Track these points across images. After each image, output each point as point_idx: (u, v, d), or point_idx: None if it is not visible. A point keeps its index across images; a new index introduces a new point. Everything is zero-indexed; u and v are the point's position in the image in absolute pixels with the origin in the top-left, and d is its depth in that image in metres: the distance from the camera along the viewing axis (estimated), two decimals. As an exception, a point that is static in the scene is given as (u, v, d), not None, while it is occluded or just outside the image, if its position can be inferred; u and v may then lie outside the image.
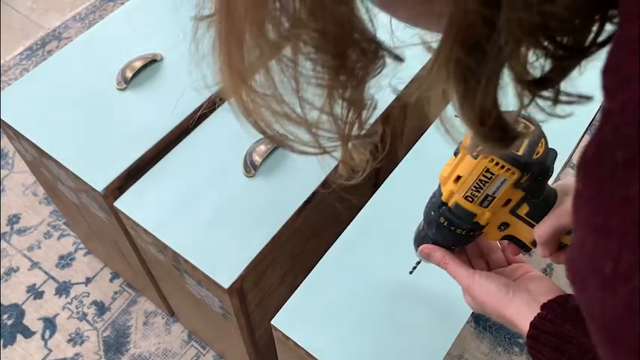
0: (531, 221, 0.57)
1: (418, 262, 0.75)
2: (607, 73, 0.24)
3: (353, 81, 0.34)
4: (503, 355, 1.35)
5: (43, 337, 1.42)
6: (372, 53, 0.33)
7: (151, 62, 1.09)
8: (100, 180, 0.97)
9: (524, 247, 0.60)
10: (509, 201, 0.56)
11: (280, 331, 0.80)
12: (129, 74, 1.07)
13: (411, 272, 0.80)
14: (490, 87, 0.31)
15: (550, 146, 0.54)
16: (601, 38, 0.29)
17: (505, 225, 0.58)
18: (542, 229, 0.55)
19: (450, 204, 0.57)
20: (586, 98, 0.33)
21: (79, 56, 1.13)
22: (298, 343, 0.79)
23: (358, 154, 0.42)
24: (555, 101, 0.33)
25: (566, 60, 0.30)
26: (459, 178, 0.55)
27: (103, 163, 0.99)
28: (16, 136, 1.08)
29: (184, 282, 1.01)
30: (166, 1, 1.19)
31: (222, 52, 0.34)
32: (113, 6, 2.09)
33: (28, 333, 1.43)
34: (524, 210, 0.56)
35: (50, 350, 1.40)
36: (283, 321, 0.81)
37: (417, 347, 0.79)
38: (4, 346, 1.41)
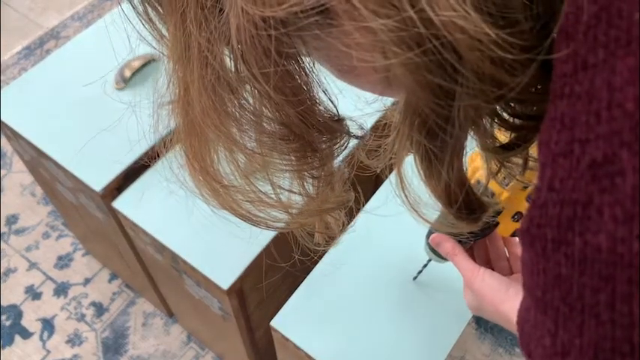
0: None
1: (425, 266, 0.75)
2: (540, 147, 0.25)
3: (321, 160, 0.34)
4: (504, 356, 1.35)
5: (41, 338, 1.42)
6: (337, 131, 0.33)
7: (150, 62, 1.08)
8: (98, 180, 0.96)
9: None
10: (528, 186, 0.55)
11: (280, 333, 0.79)
12: (127, 74, 1.06)
13: (415, 278, 0.80)
14: (454, 166, 0.31)
15: None
16: None
17: (519, 215, 0.58)
18: None
19: (472, 180, 0.56)
20: None
21: (77, 55, 1.12)
22: (298, 344, 0.78)
23: (334, 219, 0.43)
24: (525, 167, 0.33)
25: (528, 128, 0.30)
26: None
27: (102, 163, 0.98)
28: (14, 136, 1.07)
29: (183, 283, 1.00)
30: (165, 0, 1.19)
31: (188, 149, 0.34)
32: (111, 5, 2.08)
33: (26, 334, 1.43)
34: (509, 213, 0.56)
35: (49, 351, 1.40)
36: (283, 322, 0.80)
37: (418, 349, 0.78)
38: (3, 347, 1.40)
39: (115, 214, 0.98)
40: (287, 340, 0.79)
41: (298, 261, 0.51)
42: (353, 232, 0.87)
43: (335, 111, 0.33)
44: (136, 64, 1.07)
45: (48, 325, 1.44)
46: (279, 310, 0.81)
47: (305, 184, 0.36)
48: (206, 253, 0.89)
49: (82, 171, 0.98)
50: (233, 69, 0.30)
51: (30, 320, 1.45)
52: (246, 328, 1.00)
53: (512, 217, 0.58)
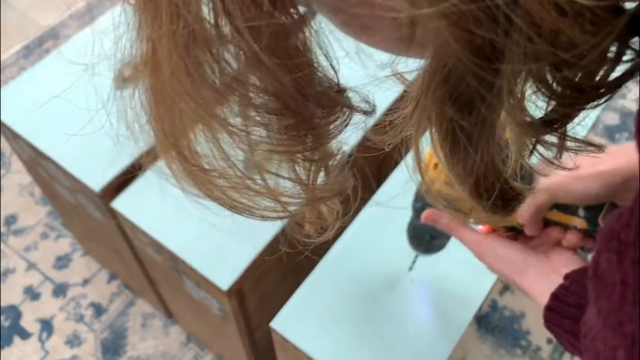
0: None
1: (416, 256, 0.75)
2: None
3: (317, 139, 0.29)
4: (505, 357, 1.35)
5: (40, 339, 1.41)
6: (339, 105, 0.28)
7: (149, 61, 1.08)
8: (97, 180, 0.96)
9: (513, 230, 0.58)
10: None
11: (279, 334, 0.79)
12: (127, 73, 1.06)
13: (410, 268, 0.79)
14: (489, 147, 0.26)
15: None
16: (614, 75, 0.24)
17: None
18: (524, 209, 0.53)
19: (432, 191, 0.56)
20: (596, 147, 0.29)
21: (76, 55, 1.12)
22: (298, 345, 0.78)
23: (327, 209, 0.37)
24: (561, 148, 0.28)
25: (573, 100, 0.24)
26: (436, 165, 0.54)
27: (100, 163, 0.98)
28: (13, 136, 1.07)
29: (182, 284, 1.00)
30: None
31: (157, 123, 0.29)
32: (111, 4, 2.08)
33: (25, 335, 1.42)
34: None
35: (47, 352, 1.39)
36: (283, 323, 0.80)
37: (419, 350, 0.78)
38: (2, 348, 1.40)
39: (114, 215, 0.97)
40: (287, 341, 0.79)
41: (294, 256, 0.47)
42: (353, 232, 0.87)
43: (336, 79, 0.27)
44: (135, 63, 1.06)
45: (47, 325, 1.43)
46: (279, 310, 0.81)
47: (296, 167, 0.30)
48: (205, 253, 0.88)
49: (81, 171, 0.97)
50: (212, 22, 0.24)
51: (29, 321, 1.44)
52: (246, 329, 0.99)
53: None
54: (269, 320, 0.80)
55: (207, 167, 0.29)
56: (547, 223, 0.56)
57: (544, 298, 0.51)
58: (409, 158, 0.31)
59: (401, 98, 0.28)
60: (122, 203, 0.94)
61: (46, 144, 1.00)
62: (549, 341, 1.37)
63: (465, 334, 0.80)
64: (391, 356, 0.77)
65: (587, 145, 0.29)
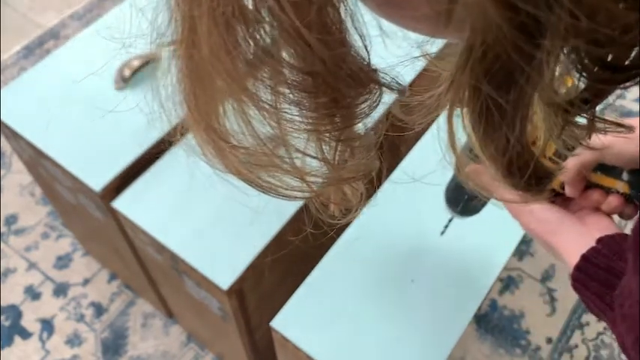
0: (559, 161, 0.54)
1: (450, 220, 0.74)
2: None
3: (347, 120, 0.29)
4: (505, 357, 1.35)
5: (40, 339, 1.41)
6: (371, 84, 0.28)
7: (150, 61, 1.08)
8: (97, 180, 0.96)
9: (552, 192, 0.57)
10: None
11: (280, 333, 0.79)
12: (127, 73, 1.06)
13: (442, 232, 0.79)
14: (523, 125, 0.25)
15: None
16: None
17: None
18: (569, 166, 0.53)
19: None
20: (626, 128, 0.29)
21: (76, 55, 1.12)
22: (298, 345, 0.78)
23: (351, 189, 0.37)
24: (590, 129, 0.28)
25: (606, 79, 0.24)
26: None
27: (101, 163, 0.98)
28: (14, 136, 1.07)
29: (183, 283, 1.00)
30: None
31: (191, 100, 0.29)
32: (111, 4, 2.08)
33: (25, 334, 1.42)
34: (550, 150, 0.53)
35: (48, 352, 1.39)
36: (283, 323, 0.80)
37: (418, 349, 0.78)
38: (2, 347, 1.40)
39: (115, 214, 0.97)
40: (287, 340, 0.79)
41: (311, 238, 0.46)
42: (353, 233, 0.87)
43: (368, 58, 0.27)
44: (136, 63, 1.06)
45: (47, 325, 1.43)
46: (279, 310, 0.81)
47: (323, 146, 0.30)
48: (206, 253, 0.88)
49: (81, 171, 0.97)
50: (251, 3, 0.24)
51: (29, 321, 1.44)
52: (246, 328, 1.00)
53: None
54: (269, 320, 0.80)
55: (237, 144, 0.30)
56: (588, 187, 0.55)
57: (574, 259, 0.51)
58: (442, 133, 0.31)
59: (429, 78, 0.29)
60: (122, 203, 0.94)
61: (47, 144, 1.01)
62: (549, 341, 1.37)
63: (464, 333, 0.80)
64: (390, 355, 0.77)
65: (616, 125, 0.29)
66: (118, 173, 0.97)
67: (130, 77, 1.06)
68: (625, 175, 0.53)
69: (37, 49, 1.96)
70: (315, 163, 0.31)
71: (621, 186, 0.54)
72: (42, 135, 1.02)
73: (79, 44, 1.14)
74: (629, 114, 1.73)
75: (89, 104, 1.05)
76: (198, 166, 0.98)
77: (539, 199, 0.50)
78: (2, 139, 1.70)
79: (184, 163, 0.98)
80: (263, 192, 0.33)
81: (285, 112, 0.28)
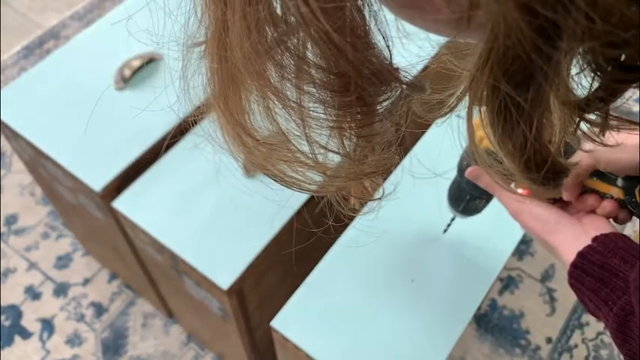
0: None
1: (452, 219, 0.75)
2: None
3: (369, 118, 0.30)
4: (504, 357, 1.35)
5: (40, 339, 1.42)
6: (394, 81, 0.29)
7: (150, 61, 1.08)
8: (97, 180, 0.96)
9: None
10: None
11: (280, 333, 0.79)
12: (127, 73, 1.06)
13: (445, 231, 0.80)
14: (541, 122, 0.26)
15: None
16: None
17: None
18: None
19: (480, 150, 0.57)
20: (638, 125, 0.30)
21: (77, 55, 1.12)
22: (298, 345, 0.78)
23: (372, 183, 0.39)
24: (604, 127, 0.29)
25: (620, 79, 0.25)
26: None
27: (101, 163, 0.98)
28: (14, 136, 1.07)
29: (183, 283, 1.00)
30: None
31: (220, 99, 0.30)
32: (112, 4, 2.08)
33: (25, 334, 1.42)
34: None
35: (48, 352, 1.40)
36: (283, 323, 0.80)
37: (418, 349, 0.78)
38: (2, 347, 1.40)
39: (115, 214, 0.97)
40: (287, 340, 0.79)
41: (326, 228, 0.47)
42: (353, 233, 0.87)
43: (390, 58, 0.28)
44: (136, 63, 1.06)
45: (47, 325, 1.44)
46: (279, 310, 0.81)
47: (345, 142, 0.31)
48: (206, 253, 0.88)
49: (82, 171, 0.98)
50: (280, 10, 0.25)
51: (29, 320, 1.44)
52: (246, 328, 1.00)
53: None
54: (269, 320, 0.80)
55: (263, 141, 0.31)
56: (584, 191, 0.57)
57: (571, 256, 0.53)
58: (462, 127, 0.32)
59: (450, 78, 0.30)
60: (123, 203, 0.94)
61: (47, 144, 1.01)
62: (549, 341, 1.38)
63: (464, 333, 0.80)
64: (390, 355, 0.77)
65: (629, 123, 0.30)
66: (118, 173, 0.97)
67: (130, 77, 1.06)
68: (620, 182, 0.56)
69: (37, 49, 1.96)
70: (336, 158, 0.32)
71: (616, 192, 0.56)
72: (42, 135, 1.02)
73: (80, 44, 1.14)
74: (629, 114, 1.73)
75: (89, 104, 1.05)
76: (198, 166, 0.99)
77: (554, 194, 0.51)
78: (2, 139, 1.70)
79: (185, 163, 0.98)
80: (286, 187, 0.34)
81: (310, 110, 0.29)
